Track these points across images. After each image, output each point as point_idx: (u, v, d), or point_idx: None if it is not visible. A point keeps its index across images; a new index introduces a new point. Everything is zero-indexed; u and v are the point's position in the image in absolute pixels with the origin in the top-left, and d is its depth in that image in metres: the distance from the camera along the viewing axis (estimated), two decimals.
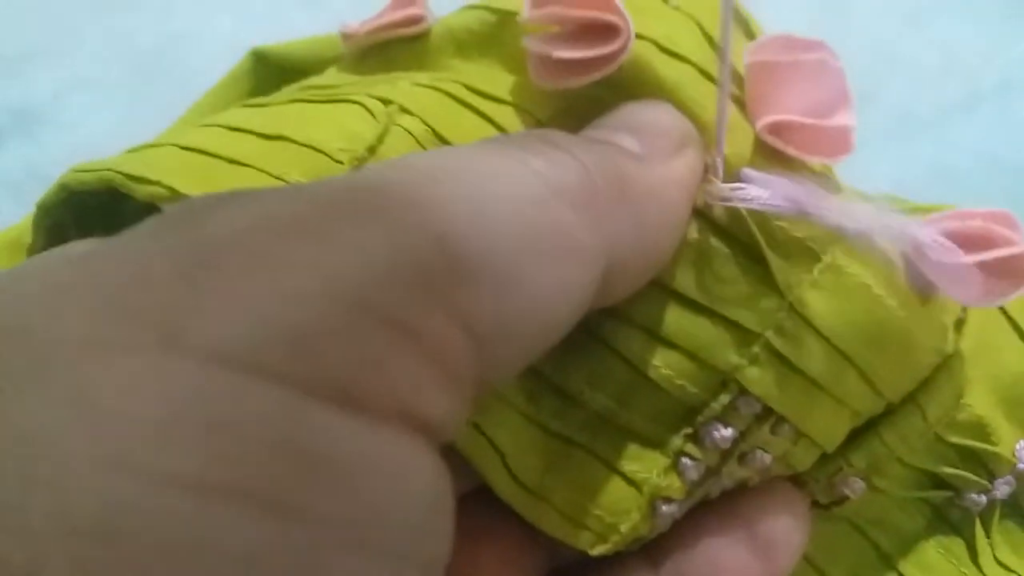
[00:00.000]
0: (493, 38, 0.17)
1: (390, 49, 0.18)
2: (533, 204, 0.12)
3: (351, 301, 0.10)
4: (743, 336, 0.16)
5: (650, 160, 0.15)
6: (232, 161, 0.15)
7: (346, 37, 0.19)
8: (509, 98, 0.16)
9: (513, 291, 0.12)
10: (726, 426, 0.16)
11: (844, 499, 0.18)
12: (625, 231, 0.14)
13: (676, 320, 0.16)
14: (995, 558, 0.19)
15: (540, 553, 0.19)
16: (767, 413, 0.16)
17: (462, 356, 0.11)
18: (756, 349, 0.16)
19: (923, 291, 0.16)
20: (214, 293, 0.10)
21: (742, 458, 0.17)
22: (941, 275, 0.16)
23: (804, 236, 0.16)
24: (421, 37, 0.17)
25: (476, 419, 0.16)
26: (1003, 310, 0.19)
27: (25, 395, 0.09)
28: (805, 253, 0.16)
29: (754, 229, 0.16)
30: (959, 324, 0.18)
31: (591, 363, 0.16)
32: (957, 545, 0.19)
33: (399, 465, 0.10)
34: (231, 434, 0.09)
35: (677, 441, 0.16)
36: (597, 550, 0.17)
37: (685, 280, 0.16)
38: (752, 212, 0.16)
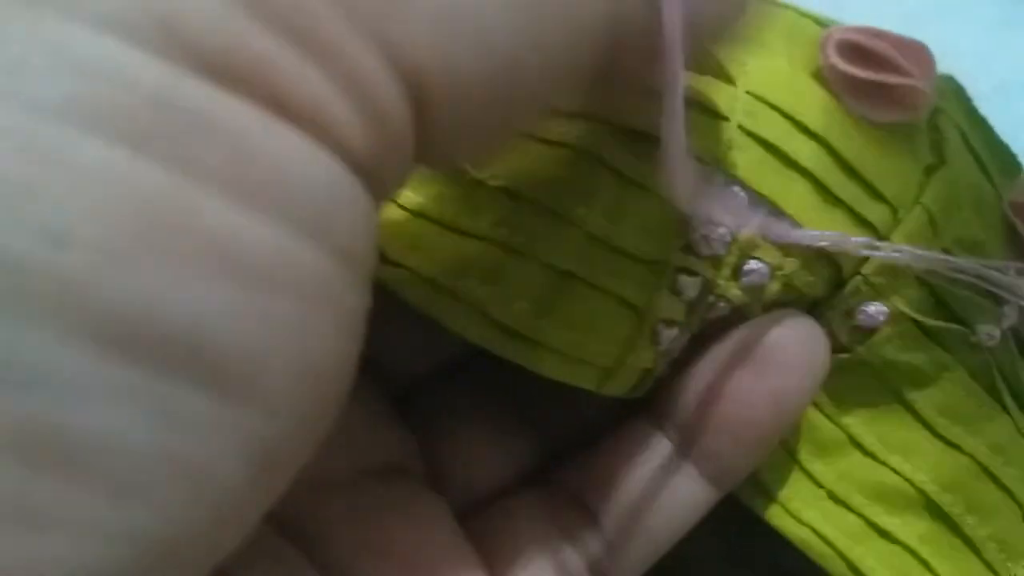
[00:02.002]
0: None
1: None
2: None
3: None
4: (715, 123, 0.16)
5: None
6: None
7: None
8: None
9: (461, 28, 0.11)
10: (717, 225, 0.16)
11: (869, 333, 0.17)
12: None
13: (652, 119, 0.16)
14: (1015, 396, 0.18)
15: (530, 434, 0.18)
16: (755, 203, 0.16)
17: (385, 93, 0.10)
18: (730, 134, 0.16)
19: None
20: None
21: (736, 273, 0.16)
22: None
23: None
24: None
25: (442, 279, 0.15)
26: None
27: None
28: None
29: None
30: (938, 142, 0.17)
31: (577, 178, 0.16)
32: (977, 389, 0.18)
33: (294, 150, 0.10)
34: (113, 86, 0.09)
35: (672, 253, 0.16)
36: (607, 388, 0.16)
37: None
38: None
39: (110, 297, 0.09)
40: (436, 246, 0.16)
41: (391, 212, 0.16)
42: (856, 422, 0.17)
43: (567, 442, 0.18)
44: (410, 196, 0.16)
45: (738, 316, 0.16)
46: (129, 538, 0.09)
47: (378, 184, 0.11)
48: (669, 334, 0.16)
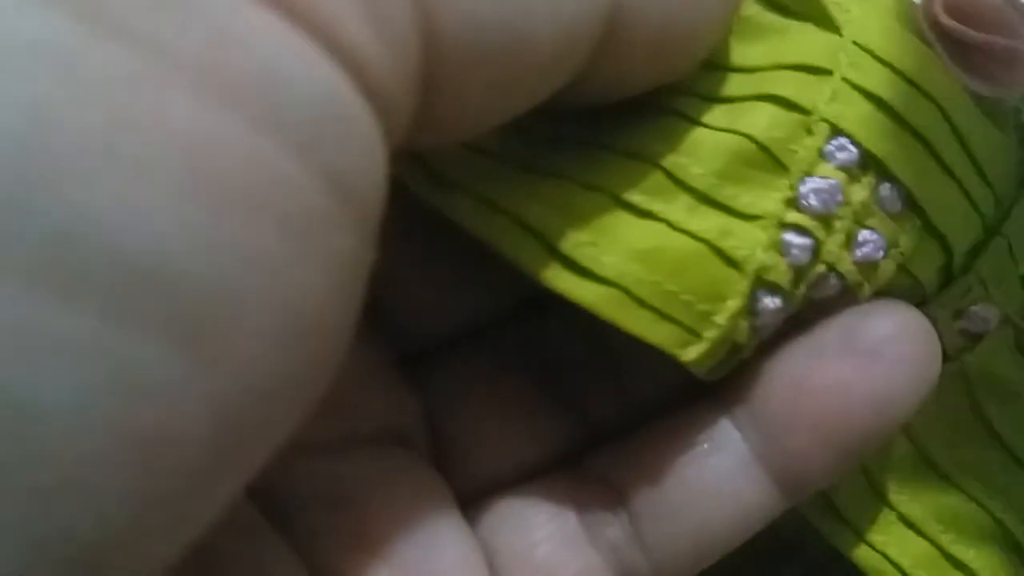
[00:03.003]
0: None
1: None
2: None
3: None
4: (815, 77, 0.14)
5: None
6: None
7: None
8: None
9: None
10: (823, 178, 0.13)
11: (975, 339, 0.15)
12: None
13: (737, 83, 0.14)
14: None
15: (565, 415, 0.15)
16: (865, 164, 0.14)
17: (401, 15, 0.10)
18: (834, 86, 0.13)
19: None
20: None
21: (849, 242, 0.14)
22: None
23: None
24: None
25: (491, 195, 0.13)
26: None
27: None
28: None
29: None
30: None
31: (667, 131, 0.14)
32: None
33: (284, 45, 0.09)
34: None
35: (776, 206, 0.13)
36: (688, 353, 0.13)
37: (727, 53, 0.14)
38: None
39: (47, 214, 0.07)
40: (500, 175, 0.14)
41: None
42: (932, 439, 0.15)
43: (609, 428, 0.15)
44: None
45: (844, 301, 0.14)
46: (66, 532, 0.08)
47: (391, 118, 0.10)
48: (769, 303, 0.13)
